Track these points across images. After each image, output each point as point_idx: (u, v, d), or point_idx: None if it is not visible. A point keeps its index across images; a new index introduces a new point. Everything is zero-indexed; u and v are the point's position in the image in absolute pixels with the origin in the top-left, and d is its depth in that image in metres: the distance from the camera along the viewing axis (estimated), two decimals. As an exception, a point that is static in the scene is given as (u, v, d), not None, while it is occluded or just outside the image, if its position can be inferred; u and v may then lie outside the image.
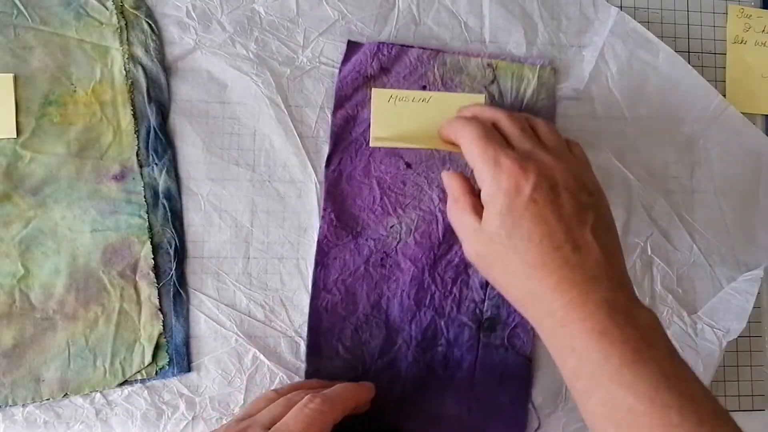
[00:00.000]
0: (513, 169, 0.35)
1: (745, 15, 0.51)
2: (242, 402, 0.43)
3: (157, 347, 0.42)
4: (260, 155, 0.45)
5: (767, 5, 0.52)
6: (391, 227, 0.45)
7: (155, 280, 0.43)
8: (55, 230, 0.42)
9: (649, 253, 0.47)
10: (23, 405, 0.41)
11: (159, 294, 0.43)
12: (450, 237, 0.45)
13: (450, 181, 0.39)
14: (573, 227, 0.35)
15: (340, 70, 0.45)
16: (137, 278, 0.43)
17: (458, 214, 0.38)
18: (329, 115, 0.45)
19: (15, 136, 0.42)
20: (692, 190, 0.48)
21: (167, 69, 0.44)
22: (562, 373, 0.34)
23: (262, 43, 0.45)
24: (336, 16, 0.46)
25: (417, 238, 0.45)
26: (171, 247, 0.43)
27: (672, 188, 0.48)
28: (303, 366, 0.44)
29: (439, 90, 0.46)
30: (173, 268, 0.43)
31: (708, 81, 0.49)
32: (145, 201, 0.43)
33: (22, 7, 0.43)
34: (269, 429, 0.35)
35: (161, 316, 0.43)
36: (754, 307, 0.48)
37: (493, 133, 0.37)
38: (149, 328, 0.43)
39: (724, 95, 0.50)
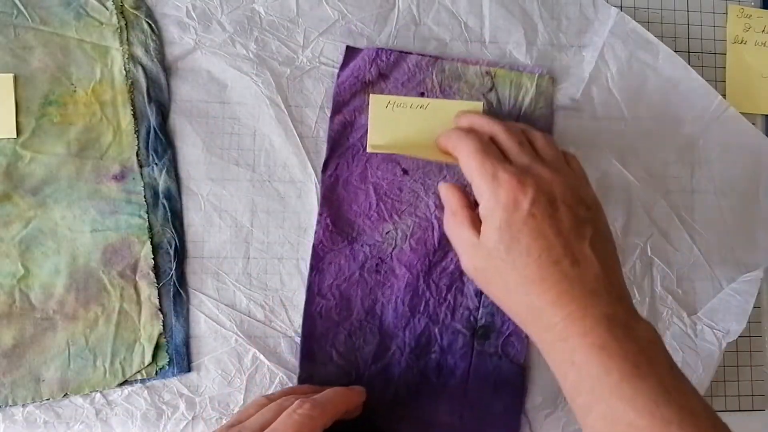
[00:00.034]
0: (511, 183, 0.35)
1: (745, 15, 0.51)
2: (242, 402, 0.43)
3: (157, 347, 0.42)
4: (260, 155, 0.45)
5: (767, 5, 0.52)
6: (386, 233, 0.45)
7: (155, 280, 0.43)
8: (55, 230, 0.42)
9: (649, 253, 0.47)
10: (23, 405, 0.41)
11: (159, 294, 0.43)
12: (445, 244, 0.44)
13: (447, 193, 0.40)
14: (571, 241, 0.35)
15: (338, 76, 0.45)
16: (137, 278, 0.43)
17: (456, 228, 0.38)
18: (329, 116, 0.45)
19: (15, 136, 0.42)
20: (692, 190, 0.48)
21: (167, 69, 0.44)
22: (562, 388, 0.34)
23: (262, 43, 0.45)
24: (336, 16, 0.46)
25: (412, 245, 0.45)
26: (171, 247, 0.43)
27: (672, 189, 0.48)
28: (303, 366, 0.44)
29: (437, 97, 0.46)
30: (173, 268, 0.43)
31: (708, 81, 0.49)
32: (145, 201, 0.43)
33: (22, 7, 0.43)
34: None
35: (161, 316, 0.43)
36: (754, 308, 0.48)
37: (490, 147, 0.38)
38: (149, 328, 0.43)
39: (724, 95, 0.50)
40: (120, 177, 0.43)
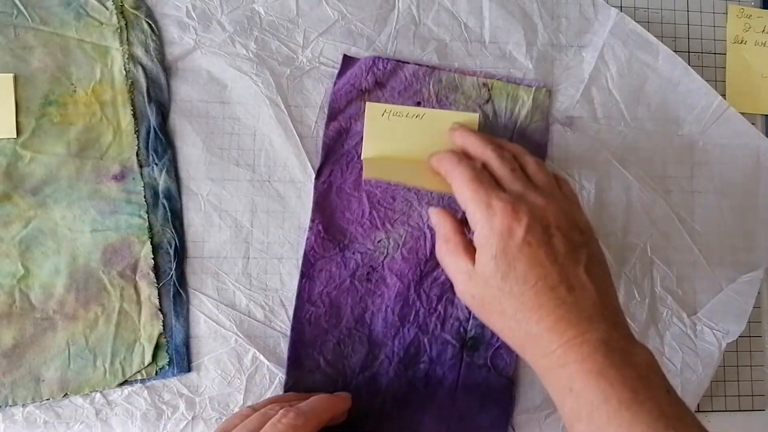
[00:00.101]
0: (505, 211, 0.35)
1: (745, 15, 0.51)
2: (242, 402, 0.43)
3: (157, 347, 0.42)
4: (260, 155, 0.45)
5: (767, 5, 0.52)
6: (378, 242, 0.45)
7: (155, 280, 0.43)
8: (55, 230, 0.42)
9: (649, 253, 0.47)
10: (23, 405, 0.41)
11: (159, 294, 0.43)
12: None
13: (439, 219, 0.40)
14: (567, 267, 0.35)
15: (335, 83, 0.45)
16: (137, 278, 0.43)
17: (450, 257, 0.38)
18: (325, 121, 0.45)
19: (15, 136, 0.42)
20: (692, 191, 0.48)
21: (167, 69, 0.44)
22: (561, 414, 0.35)
23: (262, 43, 0.45)
24: (336, 17, 0.46)
25: (404, 254, 0.45)
26: (171, 247, 0.43)
27: (672, 189, 0.48)
28: (302, 366, 0.44)
29: (433, 107, 0.46)
30: (173, 268, 0.43)
31: (708, 81, 0.49)
32: (145, 201, 0.43)
33: (22, 7, 0.43)
34: None
35: (161, 316, 0.43)
36: (754, 308, 0.48)
37: (483, 175, 0.38)
38: (149, 328, 0.43)
39: (724, 95, 0.50)
40: (120, 177, 0.43)
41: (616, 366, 0.33)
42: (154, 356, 0.42)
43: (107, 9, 0.44)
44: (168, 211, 0.43)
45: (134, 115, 0.44)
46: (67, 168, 0.43)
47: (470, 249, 0.37)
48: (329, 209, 0.44)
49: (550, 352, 0.34)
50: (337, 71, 0.45)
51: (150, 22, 0.44)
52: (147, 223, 0.43)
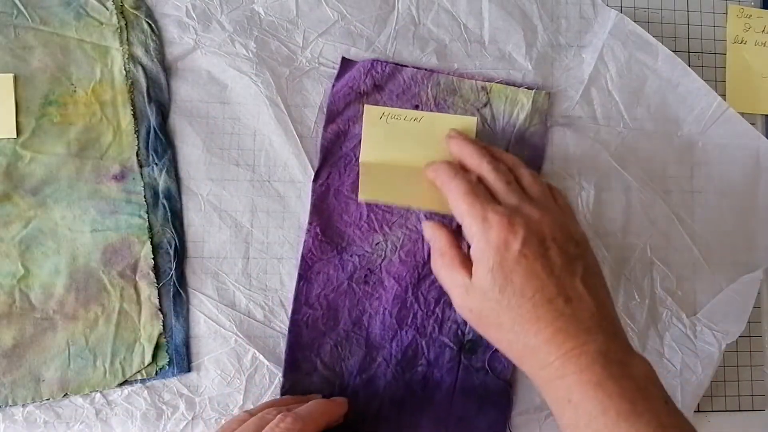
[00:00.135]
0: (501, 225, 0.36)
1: (745, 15, 0.51)
2: (241, 402, 0.43)
3: (157, 347, 0.42)
4: (260, 155, 0.45)
5: (767, 5, 0.52)
6: (376, 244, 0.45)
7: (155, 280, 0.43)
8: (55, 230, 0.42)
9: (649, 254, 0.47)
10: (23, 405, 0.41)
11: (159, 294, 0.43)
12: None
13: (434, 233, 0.40)
14: (564, 279, 0.35)
15: (333, 86, 0.45)
16: (137, 278, 0.43)
17: (445, 270, 0.38)
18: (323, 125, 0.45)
19: (15, 136, 0.42)
20: (691, 191, 0.48)
21: (167, 69, 0.44)
22: (559, 425, 0.35)
23: (262, 43, 0.45)
24: (335, 17, 0.46)
25: (402, 257, 0.45)
26: (171, 247, 0.43)
27: (671, 189, 0.48)
28: (302, 366, 0.44)
29: (431, 110, 0.45)
30: (173, 268, 0.43)
31: (708, 81, 0.49)
32: (145, 201, 0.43)
33: (22, 7, 0.43)
34: None
35: (161, 316, 0.43)
36: (754, 308, 0.48)
37: (479, 188, 0.38)
38: (149, 328, 0.43)
39: (724, 95, 0.50)
40: (120, 177, 0.43)
41: (615, 377, 0.33)
42: (154, 356, 0.42)
43: (107, 9, 0.44)
44: (168, 211, 0.43)
45: (134, 115, 0.44)
46: (67, 168, 0.43)
47: (466, 262, 0.37)
48: (327, 212, 0.44)
49: (548, 363, 0.34)
50: (336, 72, 0.45)
51: (150, 22, 0.44)
52: (147, 223, 0.43)
